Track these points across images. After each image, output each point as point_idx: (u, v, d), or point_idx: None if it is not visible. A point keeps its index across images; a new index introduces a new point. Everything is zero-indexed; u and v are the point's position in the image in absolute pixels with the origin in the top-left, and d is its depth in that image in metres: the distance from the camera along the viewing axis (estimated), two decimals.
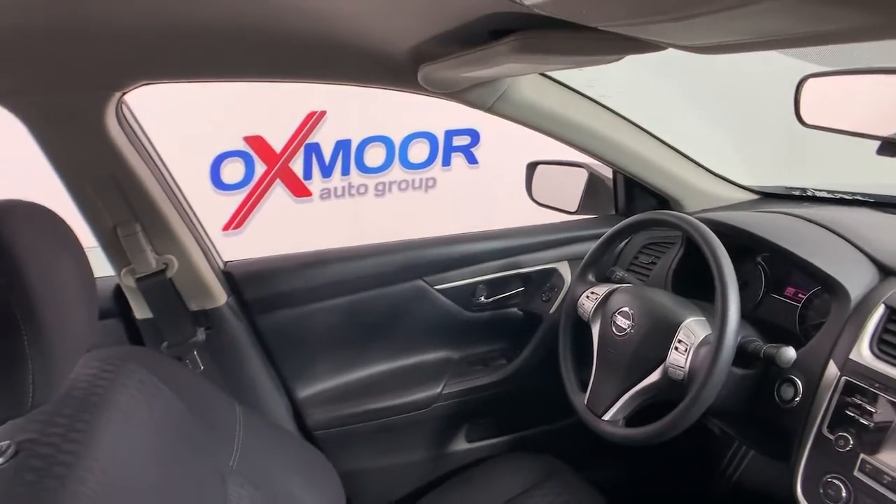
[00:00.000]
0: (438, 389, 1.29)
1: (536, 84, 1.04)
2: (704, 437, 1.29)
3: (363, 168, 3.63)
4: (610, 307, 1.02)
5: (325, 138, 3.49)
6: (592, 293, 1.08)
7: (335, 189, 3.62)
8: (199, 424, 0.87)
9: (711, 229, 1.05)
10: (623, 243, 1.29)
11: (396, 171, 3.69)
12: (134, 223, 0.98)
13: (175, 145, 2.99)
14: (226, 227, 3.41)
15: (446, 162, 3.72)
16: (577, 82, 1.08)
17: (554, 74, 1.05)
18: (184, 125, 3.04)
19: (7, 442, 0.61)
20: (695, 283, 1.09)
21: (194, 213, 1.12)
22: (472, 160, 3.70)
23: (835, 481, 0.77)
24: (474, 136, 3.63)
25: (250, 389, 1.17)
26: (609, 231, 1.08)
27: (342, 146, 3.55)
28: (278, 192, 3.51)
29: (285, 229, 3.31)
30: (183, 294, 1.08)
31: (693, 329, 0.89)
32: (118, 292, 1.10)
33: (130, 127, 0.96)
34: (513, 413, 1.38)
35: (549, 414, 1.40)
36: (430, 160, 3.70)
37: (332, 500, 1.08)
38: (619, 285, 1.06)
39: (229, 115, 3.18)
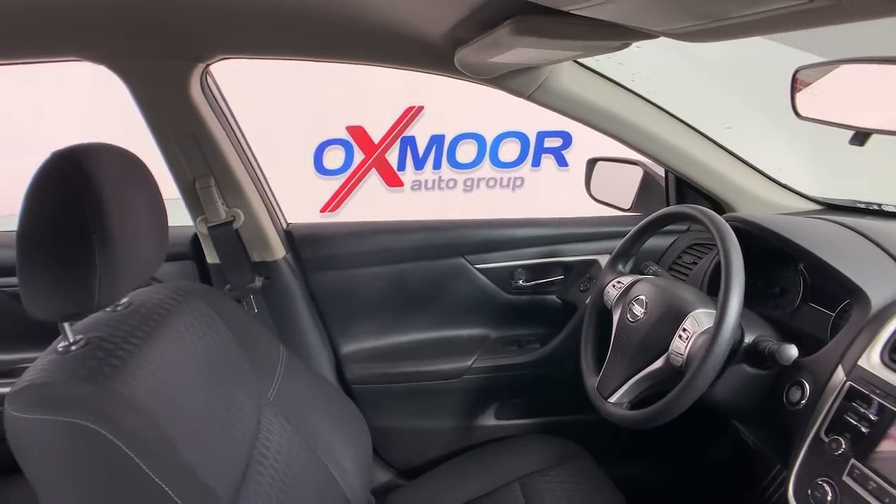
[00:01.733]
0: (469, 363, 1.36)
1: (576, 75, 1.08)
2: (744, 453, 1.26)
3: (454, 163, 3.75)
4: (629, 295, 1.04)
5: (421, 132, 3.64)
6: (619, 282, 1.10)
7: (426, 181, 3.76)
8: (244, 356, 1.00)
9: (744, 228, 1.05)
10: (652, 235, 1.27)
11: (486, 169, 3.77)
12: (209, 177, 1.15)
13: (285, 131, 3.27)
14: (323, 209, 3.66)
15: (536, 162, 3.75)
16: (620, 77, 1.11)
17: (596, 67, 1.09)
18: (295, 112, 3.32)
19: (81, 336, 0.76)
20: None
21: (263, 175, 1.27)
22: (562, 162, 3.70)
23: (823, 484, 0.76)
24: (566, 138, 3.63)
25: (297, 338, 1.30)
26: (640, 223, 1.10)
27: (436, 141, 3.68)
28: (373, 180, 3.70)
29: (376, 216, 3.51)
30: (246, 244, 1.23)
31: (699, 319, 0.90)
32: (195, 239, 1.27)
33: (213, 94, 1.12)
34: (543, 398, 1.42)
35: (579, 403, 1.41)
36: (520, 160, 3.74)
37: (360, 448, 1.18)
38: (644, 276, 1.08)
39: (335, 105, 3.40)
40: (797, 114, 0.77)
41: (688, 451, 1.44)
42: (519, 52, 0.79)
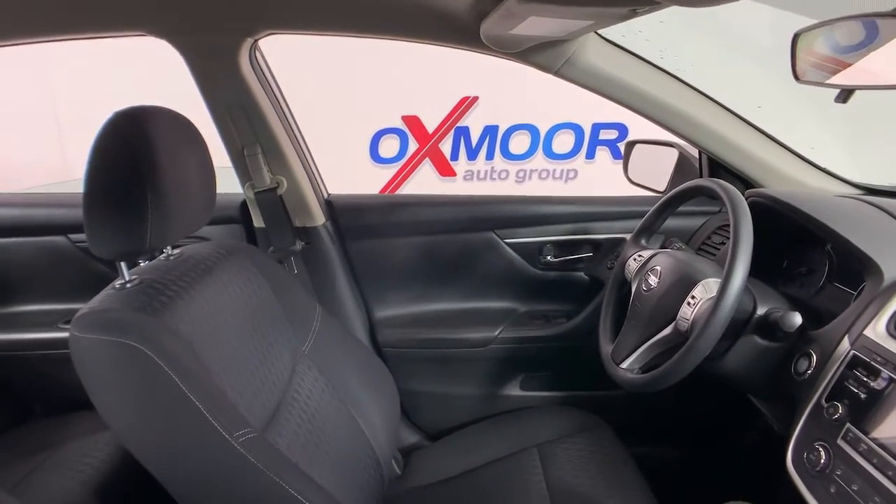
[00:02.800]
0: (496, 333, 1.41)
1: (603, 50, 1.11)
2: (769, 441, 1.25)
3: (507, 154, 3.78)
4: (647, 267, 1.07)
5: (475, 123, 3.69)
6: (639, 256, 1.13)
7: (478, 172, 3.81)
8: (282, 311, 1.09)
9: (766, 204, 1.06)
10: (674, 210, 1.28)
11: (539, 160, 3.78)
12: (256, 146, 1.25)
13: (345, 119, 3.38)
14: None
15: (590, 155, 3.72)
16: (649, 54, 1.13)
17: (623, 43, 1.11)
18: (354, 102, 3.43)
19: (136, 276, 0.87)
20: (755, 263, 1.09)
21: (306, 146, 1.37)
22: (617, 155, 3.66)
23: (818, 448, 0.78)
24: (622, 130, 3.59)
25: (334, 300, 1.39)
26: (662, 199, 1.12)
27: (489, 131, 3.73)
28: (426, 169, 3.78)
29: None
30: (289, 210, 1.33)
31: (708, 286, 0.92)
32: (243, 206, 1.38)
33: (261, 68, 1.22)
34: (568, 371, 1.46)
35: (604, 379, 1.45)
36: (573, 152, 3.73)
37: (388, 406, 1.25)
38: (664, 250, 1.10)
39: (391, 95, 3.50)
40: (797, 78, 0.77)
41: (712, 436, 1.44)
42: (534, 23, 0.84)
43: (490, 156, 3.79)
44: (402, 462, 1.35)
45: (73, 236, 1.41)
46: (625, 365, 1.03)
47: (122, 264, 0.85)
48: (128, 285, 0.85)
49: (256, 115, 1.21)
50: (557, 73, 1.13)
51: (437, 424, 1.49)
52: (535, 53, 1.08)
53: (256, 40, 1.15)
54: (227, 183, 1.24)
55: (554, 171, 3.81)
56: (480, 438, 1.34)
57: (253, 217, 1.36)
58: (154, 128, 0.82)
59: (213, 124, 1.22)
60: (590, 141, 3.71)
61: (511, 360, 1.44)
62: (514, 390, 1.48)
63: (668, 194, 1.11)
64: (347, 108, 3.46)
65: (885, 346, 0.77)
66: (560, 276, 1.46)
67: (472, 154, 3.79)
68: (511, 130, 3.71)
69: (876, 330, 0.79)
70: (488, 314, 1.47)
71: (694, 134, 1.22)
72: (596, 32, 1.10)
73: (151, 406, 0.77)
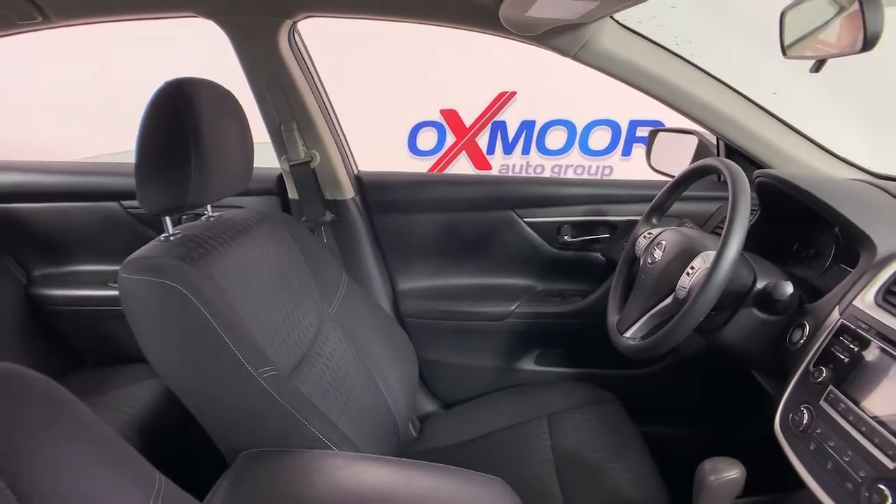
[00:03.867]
0: (512, 308, 1.48)
1: (619, 35, 1.16)
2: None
3: (543, 149, 3.81)
4: (654, 242, 1.11)
5: (512, 117, 3.73)
6: (649, 233, 1.18)
7: (513, 166, 3.84)
8: (311, 275, 1.18)
9: (773, 183, 1.09)
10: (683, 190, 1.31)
11: (575, 156, 3.80)
12: (292, 122, 1.35)
13: (385, 112, 3.48)
14: None
15: (627, 152, 3.72)
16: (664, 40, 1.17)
17: (640, 30, 1.16)
18: (394, 96, 3.52)
19: (179, 232, 0.97)
20: (764, 245, 1.13)
21: (339, 124, 1.45)
22: None
23: (802, 409, 0.81)
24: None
25: (360, 270, 1.48)
26: (673, 179, 1.16)
27: (526, 126, 3.76)
28: (462, 163, 3.84)
29: None
30: (321, 183, 1.42)
31: (707, 257, 0.96)
32: (279, 179, 1.48)
33: (298, 49, 1.31)
34: (583, 349, 1.51)
35: (618, 357, 1.49)
36: (610, 148, 3.73)
37: (407, 371, 1.33)
38: (671, 227, 1.14)
39: (431, 89, 3.57)
40: (784, 53, 0.81)
41: (723, 421, 1.46)
42: (546, 4, 0.90)
43: (526, 150, 3.83)
44: (419, 427, 1.42)
45: (125, 202, 1.53)
46: (628, 334, 1.07)
47: (167, 219, 0.95)
48: (171, 238, 0.94)
49: (293, 92, 1.31)
50: (575, 57, 1.19)
51: (453, 394, 1.56)
52: (552, 37, 1.14)
53: (295, 22, 1.24)
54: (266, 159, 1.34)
55: (590, 167, 3.82)
56: (494, 407, 1.41)
57: (288, 189, 1.46)
58: (198, 97, 0.91)
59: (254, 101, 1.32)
60: (626, 138, 3.70)
61: (527, 335, 1.50)
62: (529, 364, 1.53)
63: (678, 175, 1.15)
64: (388, 101, 3.55)
65: (871, 314, 0.80)
66: (577, 255, 1.51)
67: (509, 148, 3.83)
68: (548, 126, 3.73)
69: (864, 300, 0.83)
70: (506, 290, 1.53)
71: (710, 119, 1.26)
72: (612, 18, 1.15)
73: (186, 341, 0.87)
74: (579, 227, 1.48)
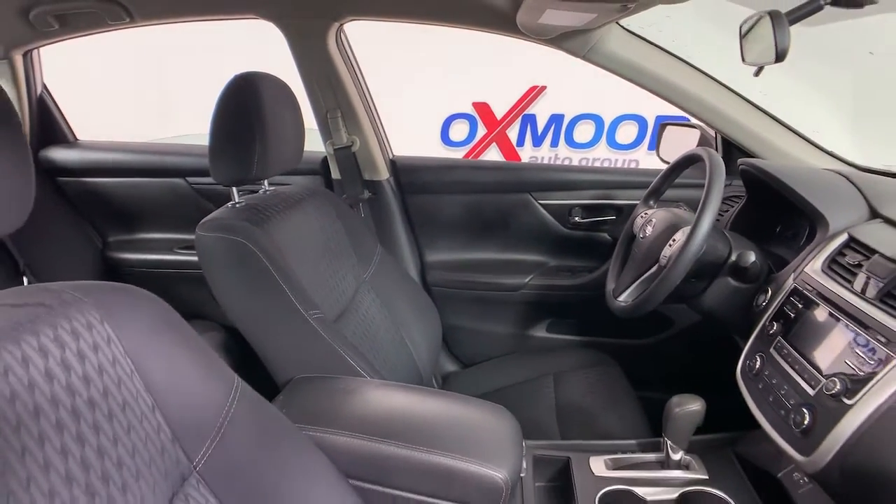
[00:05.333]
0: (526, 280, 1.66)
1: (623, 38, 1.32)
2: None
3: (571, 143, 3.94)
4: (647, 221, 1.28)
5: (542, 111, 3.87)
6: (645, 213, 1.34)
7: (542, 158, 3.98)
8: (350, 244, 1.37)
9: (752, 171, 1.24)
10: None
11: (601, 149, 3.92)
12: (337, 111, 1.55)
13: (421, 104, 3.66)
14: None
15: (652, 146, 3.81)
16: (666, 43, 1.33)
17: (641, 32, 1.32)
18: (430, 89, 3.70)
19: (243, 201, 1.17)
20: (751, 227, 1.29)
21: (377, 114, 1.65)
22: None
23: (757, 356, 0.98)
24: None
25: (393, 242, 1.68)
26: (668, 166, 1.32)
27: (555, 120, 3.90)
28: (492, 154, 3.99)
29: None
30: (360, 165, 1.62)
31: (686, 232, 1.12)
32: (324, 161, 1.69)
33: (344, 49, 1.51)
34: (590, 320, 1.67)
35: (621, 329, 1.66)
36: (636, 142, 3.84)
37: (431, 333, 1.52)
38: (664, 208, 1.30)
39: (464, 82, 3.74)
40: (743, 59, 0.96)
41: (721, 394, 1.60)
42: (554, 14, 1.07)
43: (555, 143, 3.96)
44: (440, 384, 1.62)
45: (190, 179, 1.76)
46: (621, 298, 1.24)
47: (234, 189, 1.16)
48: (238, 205, 1.15)
49: (339, 85, 1.51)
50: (584, 58, 1.35)
51: (472, 356, 1.75)
52: (564, 40, 1.31)
53: (342, 24, 1.44)
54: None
55: (616, 160, 3.92)
56: (507, 367, 1.59)
57: (331, 170, 1.66)
58: (262, 88, 1.11)
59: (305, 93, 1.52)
60: (653, 132, 3.79)
61: (539, 305, 1.68)
62: (540, 332, 1.71)
63: (671, 163, 1.31)
64: (424, 93, 3.72)
65: (817, 279, 0.95)
66: (586, 235, 1.68)
67: (538, 141, 3.97)
68: (576, 120, 3.86)
69: (813, 267, 0.98)
70: (521, 264, 1.71)
71: (706, 115, 1.41)
72: (618, 24, 1.31)
73: (251, 286, 1.07)
74: (588, 210, 1.65)
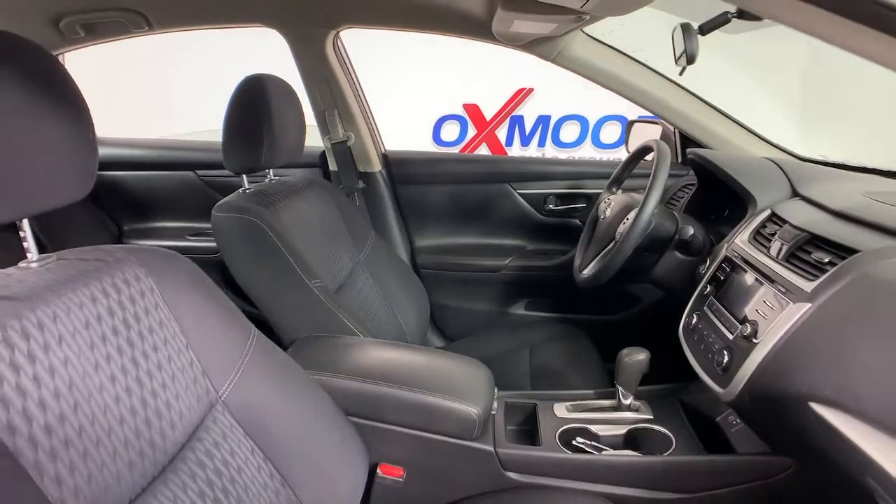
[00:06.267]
0: (506, 262, 1.83)
1: (587, 44, 1.50)
2: None
3: (557, 142, 4.12)
4: (608, 205, 1.45)
5: (529, 112, 4.05)
6: (608, 199, 1.51)
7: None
8: (346, 229, 1.54)
9: (696, 159, 1.41)
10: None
11: (587, 148, 4.10)
12: (334, 109, 1.72)
13: (411, 106, 3.83)
14: None
15: None
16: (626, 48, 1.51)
17: (604, 39, 1.49)
18: (422, 92, 3.87)
19: (252, 187, 1.34)
20: (703, 209, 1.46)
21: (371, 112, 1.82)
22: None
23: (694, 315, 1.15)
24: None
25: (385, 229, 1.85)
26: (626, 157, 1.50)
27: (542, 120, 4.08)
28: (481, 153, 4.15)
29: None
30: (355, 158, 1.80)
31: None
32: (322, 155, 1.86)
33: (340, 54, 1.68)
34: (564, 298, 1.85)
35: (593, 306, 1.83)
36: (620, 141, 4.02)
37: (419, 310, 1.69)
38: (624, 193, 1.48)
39: (455, 85, 3.91)
40: (676, 63, 1.14)
41: (672, 353, 1.78)
42: (523, 24, 1.24)
43: (542, 143, 4.14)
44: None
45: (200, 171, 1.92)
46: (584, 272, 1.42)
47: (244, 177, 1.32)
48: (247, 191, 1.31)
49: (336, 86, 1.68)
50: (554, 61, 1.53)
51: (457, 332, 1.92)
52: (535, 46, 1.49)
53: (338, 32, 1.62)
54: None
55: (601, 158, 4.09)
56: (489, 341, 1.76)
57: (329, 163, 1.83)
58: (269, 88, 1.27)
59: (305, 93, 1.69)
60: None
61: (518, 285, 1.85)
62: (519, 309, 1.89)
63: (629, 154, 1.49)
64: (416, 96, 3.88)
65: (744, 248, 1.12)
66: (560, 221, 1.85)
67: (526, 140, 4.14)
68: (562, 120, 4.04)
69: (741, 238, 1.15)
70: (502, 248, 1.89)
71: (663, 112, 1.59)
72: (582, 31, 1.48)
73: (261, 259, 1.24)
74: (562, 198, 1.83)
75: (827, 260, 0.88)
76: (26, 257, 0.72)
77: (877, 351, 0.72)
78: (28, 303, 0.62)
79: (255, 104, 1.24)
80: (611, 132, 4.03)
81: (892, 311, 0.74)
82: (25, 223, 0.71)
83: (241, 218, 1.22)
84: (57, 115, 0.66)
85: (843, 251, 0.87)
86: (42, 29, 1.55)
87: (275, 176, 1.44)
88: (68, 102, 0.69)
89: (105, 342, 0.69)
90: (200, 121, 2.49)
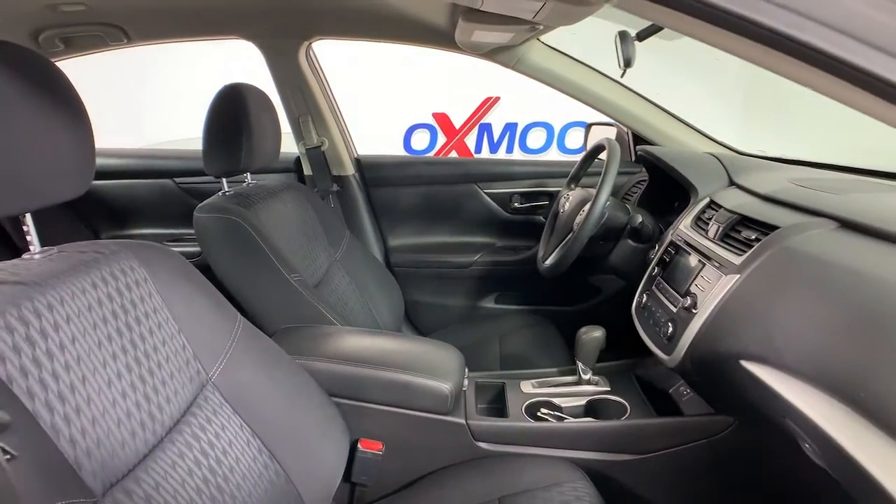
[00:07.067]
0: (475, 258, 1.93)
1: (544, 52, 1.62)
2: None
3: (525, 148, 4.25)
4: (567, 200, 1.56)
5: (497, 120, 4.17)
6: (567, 195, 1.62)
7: None
8: (322, 230, 1.61)
9: (645, 156, 1.53)
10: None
11: (553, 154, 4.24)
12: (308, 115, 1.81)
13: (382, 116, 3.93)
14: None
15: None
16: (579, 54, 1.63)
17: (560, 47, 1.61)
18: (391, 102, 3.96)
19: (231, 189, 1.41)
20: (655, 202, 1.58)
21: (343, 118, 1.91)
22: None
23: (644, 294, 1.26)
24: None
25: (359, 229, 1.93)
26: (582, 155, 1.62)
27: (510, 128, 4.21)
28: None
29: None
30: (329, 162, 1.88)
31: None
32: (297, 160, 1.94)
33: (313, 63, 1.78)
34: (531, 291, 1.96)
35: (558, 297, 1.94)
36: (583, 147, 4.16)
37: (394, 307, 1.77)
38: (582, 189, 1.59)
39: (424, 95, 4.02)
40: (619, 65, 1.27)
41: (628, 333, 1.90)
42: (483, 34, 1.35)
43: (510, 149, 4.26)
44: None
45: (178, 179, 1.98)
46: (547, 262, 1.52)
47: (224, 180, 1.40)
48: (227, 193, 1.39)
49: (309, 94, 1.77)
50: (514, 68, 1.65)
51: (431, 326, 2.01)
52: (495, 54, 1.60)
53: (310, 43, 1.71)
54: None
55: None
56: (461, 333, 1.85)
57: (304, 167, 1.92)
58: (247, 95, 1.35)
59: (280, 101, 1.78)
60: None
61: (487, 280, 1.96)
62: (489, 303, 1.99)
63: (585, 153, 1.60)
64: (387, 106, 3.98)
65: (687, 232, 1.24)
66: (525, 218, 1.97)
67: (494, 147, 4.27)
68: (529, 127, 4.18)
69: (684, 224, 1.27)
70: (471, 245, 1.99)
71: (615, 114, 1.72)
72: (539, 40, 1.60)
73: (242, 255, 1.31)
74: (526, 196, 1.94)
75: (754, 237, 0.99)
76: (22, 252, 0.79)
77: (793, 310, 0.83)
78: (38, 287, 0.70)
79: (234, 110, 1.32)
80: (576, 138, 4.17)
81: (805, 275, 0.85)
82: (28, 218, 0.78)
83: (222, 217, 1.29)
84: (57, 117, 0.74)
85: (767, 228, 0.99)
86: (22, 42, 1.60)
87: (252, 180, 1.51)
88: (68, 105, 0.76)
89: (106, 324, 0.76)
90: (169, 132, 2.57)
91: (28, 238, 0.80)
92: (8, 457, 0.56)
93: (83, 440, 0.66)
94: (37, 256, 0.79)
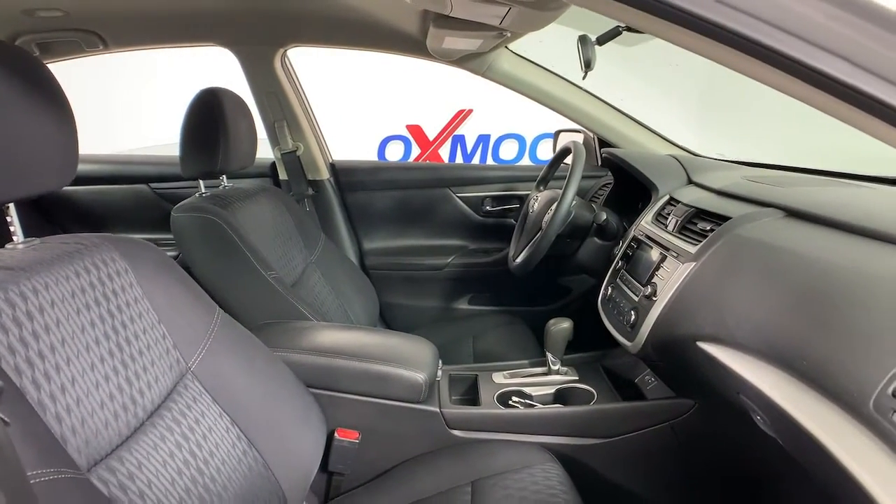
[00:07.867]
0: (448, 260, 1.98)
1: (513, 60, 1.69)
2: None
3: (497, 159, 4.33)
4: (536, 201, 1.62)
5: (470, 131, 4.24)
6: (536, 196, 1.69)
7: None
8: (298, 232, 1.65)
9: (610, 157, 1.61)
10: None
11: (525, 164, 4.32)
12: (283, 121, 1.85)
13: (357, 127, 3.97)
14: None
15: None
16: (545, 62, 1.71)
17: (527, 55, 1.69)
18: (365, 114, 4.01)
19: (209, 192, 1.44)
20: (620, 203, 1.65)
21: (318, 124, 1.95)
22: None
23: (609, 287, 1.32)
24: None
25: (335, 232, 1.97)
26: (551, 158, 1.68)
27: (483, 139, 4.28)
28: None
29: None
30: (304, 167, 1.92)
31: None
32: (273, 165, 1.97)
33: (288, 69, 1.82)
34: (505, 292, 2.01)
35: (531, 298, 2.00)
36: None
37: (369, 308, 1.81)
38: (549, 190, 1.66)
39: (397, 107, 4.08)
40: (581, 69, 1.34)
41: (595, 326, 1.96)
42: (453, 41, 1.41)
43: (483, 160, 4.34)
44: None
45: (153, 184, 2.00)
46: (517, 260, 1.58)
47: (201, 182, 1.43)
48: (204, 195, 1.42)
49: (284, 100, 1.81)
50: (483, 75, 1.71)
51: (406, 328, 2.04)
52: (466, 61, 1.66)
53: (285, 50, 1.75)
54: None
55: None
56: (436, 334, 1.87)
57: (279, 172, 1.95)
58: (224, 99, 1.39)
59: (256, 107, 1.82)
60: None
61: (461, 281, 2.00)
62: (463, 304, 2.03)
63: (553, 156, 1.67)
64: (361, 118, 4.03)
65: (648, 227, 1.31)
66: (496, 221, 2.02)
67: (468, 158, 4.34)
68: (501, 139, 4.27)
69: (646, 220, 1.34)
70: (444, 248, 2.04)
71: (581, 119, 1.80)
72: (507, 48, 1.67)
73: (220, 254, 1.34)
74: (497, 200, 2.00)
75: (709, 228, 1.06)
76: (12, 240, 0.82)
77: (744, 292, 0.89)
78: (23, 273, 0.72)
79: (211, 113, 1.35)
80: (547, 149, 4.25)
81: (755, 260, 0.91)
82: (12, 208, 0.80)
83: (200, 217, 1.32)
84: (42, 110, 0.77)
85: (721, 220, 1.06)
86: None
87: (228, 183, 1.54)
88: (52, 100, 0.79)
89: (88, 310, 0.79)
90: (142, 137, 2.58)
91: (12, 228, 0.82)
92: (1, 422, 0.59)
93: (68, 417, 0.69)
94: (20, 246, 0.81)
